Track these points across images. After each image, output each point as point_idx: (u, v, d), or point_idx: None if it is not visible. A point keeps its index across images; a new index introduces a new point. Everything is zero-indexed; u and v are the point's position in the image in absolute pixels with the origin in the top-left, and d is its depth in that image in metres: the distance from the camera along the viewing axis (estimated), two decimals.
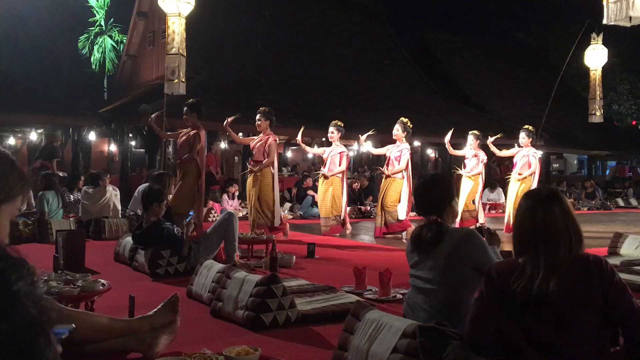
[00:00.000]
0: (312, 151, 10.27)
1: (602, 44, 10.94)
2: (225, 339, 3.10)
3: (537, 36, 26.89)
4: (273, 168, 7.58)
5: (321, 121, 15.46)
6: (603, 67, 11.35)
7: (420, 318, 2.74)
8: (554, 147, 20.54)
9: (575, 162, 27.30)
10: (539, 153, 9.47)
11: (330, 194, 8.54)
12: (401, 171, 8.32)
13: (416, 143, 17.01)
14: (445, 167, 17.64)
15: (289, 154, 20.22)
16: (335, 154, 8.63)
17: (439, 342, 2.15)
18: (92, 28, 23.89)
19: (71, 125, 14.37)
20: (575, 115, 20.61)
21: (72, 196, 8.74)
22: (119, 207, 8.63)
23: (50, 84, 17.70)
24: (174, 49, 8.11)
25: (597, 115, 11.59)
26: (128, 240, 5.68)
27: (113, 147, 17.81)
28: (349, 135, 17.25)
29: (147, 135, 14.18)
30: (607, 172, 25.50)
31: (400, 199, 8.38)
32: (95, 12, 23.97)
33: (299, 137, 8.84)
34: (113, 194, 8.54)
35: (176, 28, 8.09)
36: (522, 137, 8.94)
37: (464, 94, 21.46)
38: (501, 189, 15.26)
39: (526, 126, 9.15)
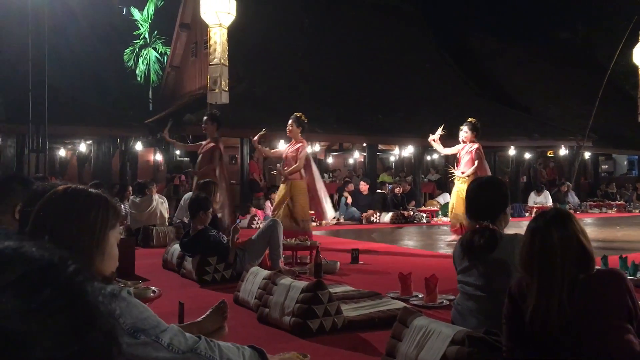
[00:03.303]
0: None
1: None
2: (273, 345, 3.13)
3: (582, 34, 26.16)
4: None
5: (362, 127, 15.49)
6: None
7: (470, 324, 2.71)
8: (602, 147, 19.94)
9: (625, 162, 26.41)
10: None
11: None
12: (298, 171, 7.10)
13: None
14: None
15: (329, 160, 20.25)
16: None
17: (487, 354, 2.12)
18: (137, 41, 24.54)
19: (118, 136, 14.80)
20: (624, 114, 19.96)
21: (123, 206, 8.89)
22: (166, 215, 8.82)
23: (97, 97, 18.22)
24: (216, 59, 8.27)
25: None
26: (176, 247, 5.79)
27: (159, 157, 18.20)
28: (390, 141, 17.26)
29: (191, 144, 14.43)
30: None
31: (310, 203, 7.28)
32: (139, 25, 24.63)
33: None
34: (159, 203, 8.73)
35: (218, 38, 8.25)
36: (465, 131, 8.01)
37: (507, 95, 21.05)
38: (548, 192, 14.91)
39: (470, 119, 8.21)
